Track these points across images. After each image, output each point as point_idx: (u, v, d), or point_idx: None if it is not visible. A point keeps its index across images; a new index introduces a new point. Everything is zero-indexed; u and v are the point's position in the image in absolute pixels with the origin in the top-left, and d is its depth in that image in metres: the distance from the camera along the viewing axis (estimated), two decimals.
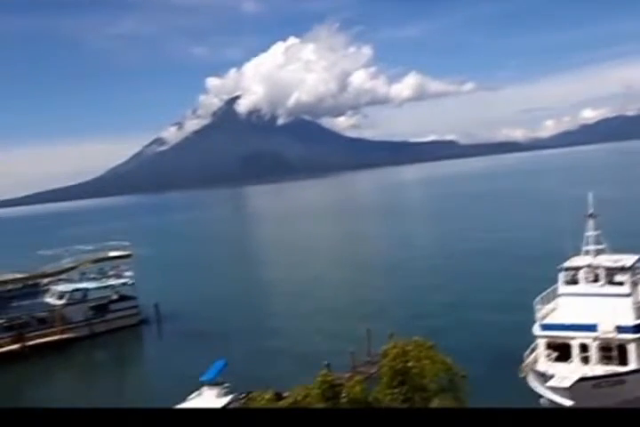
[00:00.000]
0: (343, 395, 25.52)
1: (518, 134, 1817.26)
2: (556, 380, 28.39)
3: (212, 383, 35.48)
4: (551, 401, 28.40)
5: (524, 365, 31.12)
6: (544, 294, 33.14)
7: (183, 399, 34.15)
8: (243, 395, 34.05)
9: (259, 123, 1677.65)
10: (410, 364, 28.34)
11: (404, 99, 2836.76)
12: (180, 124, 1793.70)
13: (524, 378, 30.78)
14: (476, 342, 44.36)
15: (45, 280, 67.73)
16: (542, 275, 37.07)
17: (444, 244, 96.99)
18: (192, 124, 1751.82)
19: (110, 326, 61.14)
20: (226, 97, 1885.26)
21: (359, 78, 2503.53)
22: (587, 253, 34.26)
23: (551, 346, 31.22)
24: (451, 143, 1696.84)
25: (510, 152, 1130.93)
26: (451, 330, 47.35)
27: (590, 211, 35.19)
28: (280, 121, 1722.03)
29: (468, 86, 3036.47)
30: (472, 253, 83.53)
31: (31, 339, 56.43)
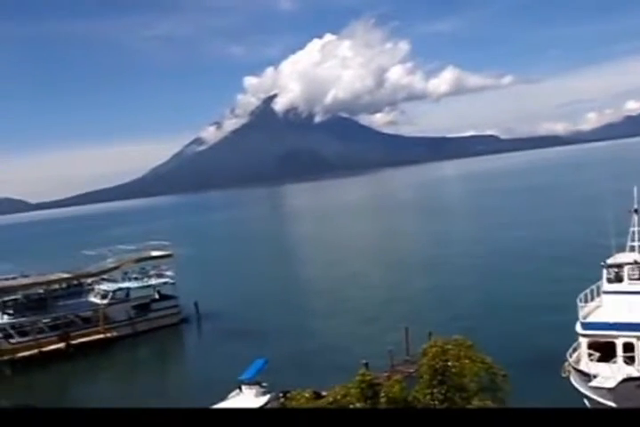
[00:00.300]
0: (382, 394, 25.39)
1: (559, 128, 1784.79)
2: (600, 380, 27.72)
3: (251, 382, 35.69)
4: (594, 401, 27.76)
5: (566, 364, 30.47)
6: (587, 291, 32.35)
7: (223, 398, 34.45)
8: (281, 394, 34.18)
9: (296, 121, 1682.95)
10: (449, 363, 28.05)
11: (441, 94, 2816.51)
12: (218, 124, 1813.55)
13: (567, 378, 30.15)
14: (514, 341, 43.64)
15: (89, 280, 69.26)
16: (584, 273, 36.25)
17: (484, 241, 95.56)
18: (230, 124, 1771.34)
19: (152, 325, 62.07)
20: (263, 96, 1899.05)
21: (396, 74, 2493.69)
22: (632, 249, 33.30)
23: (594, 345, 30.49)
24: (490, 138, 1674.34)
25: (552, 146, 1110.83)
26: (488, 331, 46.61)
27: (635, 206, 34.17)
28: (317, 119, 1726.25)
29: (507, 79, 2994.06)
30: (512, 250, 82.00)
31: (76, 338, 57.74)
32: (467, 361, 28.59)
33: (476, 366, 28.52)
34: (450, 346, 29.26)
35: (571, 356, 30.89)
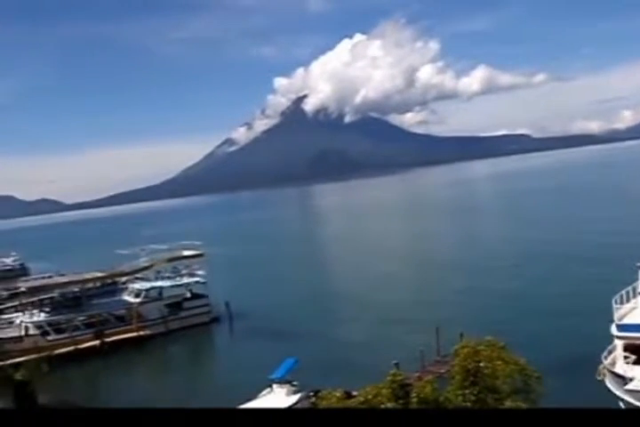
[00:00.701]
0: (413, 395, 25.30)
1: (594, 126, 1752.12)
2: (636, 383, 27.24)
3: (282, 381, 35.87)
4: (630, 404, 27.27)
5: (601, 367, 29.98)
6: (622, 293, 31.79)
7: (253, 397, 34.69)
8: (312, 393, 34.29)
9: (326, 121, 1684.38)
10: (482, 364, 27.80)
11: (472, 93, 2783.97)
12: (249, 125, 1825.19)
13: (602, 381, 29.66)
14: (548, 343, 43.03)
15: (123, 279, 70.35)
16: (618, 275, 35.59)
17: (516, 243, 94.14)
18: (261, 124, 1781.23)
19: (184, 324, 62.73)
20: (293, 96, 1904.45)
21: (426, 73, 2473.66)
22: None
23: (630, 348, 29.94)
24: (522, 137, 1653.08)
25: (585, 145, 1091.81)
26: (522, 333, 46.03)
27: None
28: (347, 119, 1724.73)
29: (540, 78, 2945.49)
30: (544, 253, 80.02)
31: (110, 335, 58.74)
32: (499, 362, 28.30)
33: (509, 368, 28.21)
34: (482, 347, 28.99)
35: (606, 358, 30.40)
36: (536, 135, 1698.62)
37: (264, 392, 35.78)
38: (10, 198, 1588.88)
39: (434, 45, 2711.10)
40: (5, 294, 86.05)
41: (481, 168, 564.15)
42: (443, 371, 37.89)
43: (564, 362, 38.31)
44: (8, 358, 49.98)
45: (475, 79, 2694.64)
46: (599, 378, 29.76)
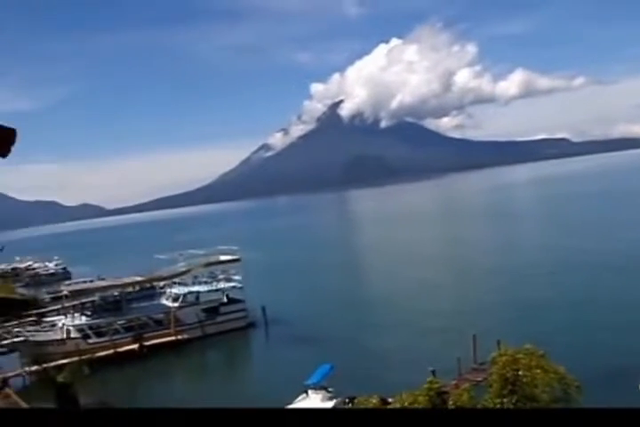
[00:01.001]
0: (450, 402, 25.08)
1: (636, 130, 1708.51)
2: None
3: (318, 387, 35.88)
4: None
5: None
6: None
7: (289, 402, 34.76)
8: (347, 399, 34.23)
9: (362, 126, 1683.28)
10: (520, 373, 27.37)
11: (510, 96, 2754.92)
12: (285, 130, 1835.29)
13: None
14: (591, 354, 42.11)
15: (161, 283, 71.35)
16: None
17: (554, 251, 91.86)
18: (297, 130, 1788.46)
19: (220, 329, 63.16)
20: (329, 102, 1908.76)
21: (463, 77, 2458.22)
22: None
23: None
24: (562, 141, 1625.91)
25: (627, 149, 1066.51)
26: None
27: None
28: (383, 124, 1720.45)
29: (579, 81, 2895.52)
30: (585, 263, 77.22)
31: (148, 339, 59.56)
32: (538, 371, 27.81)
33: (548, 377, 27.70)
34: (521, 355, 28.55)
35: None
36: (575, 139, 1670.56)
37: (299, 398, 35.85)
38: (53, 204, 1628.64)
39: (471, 49, 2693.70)
40: (48, 297, 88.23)
41: (519, 173, 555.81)
42: (480, 379, 37.42)
43: (606, 373, 37.45)
44: (51, 361, 51.15)
45: (512, 83, 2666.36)
46: None
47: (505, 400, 24.99)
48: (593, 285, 65.20)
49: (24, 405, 39.47)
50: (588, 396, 22.52)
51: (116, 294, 65.56)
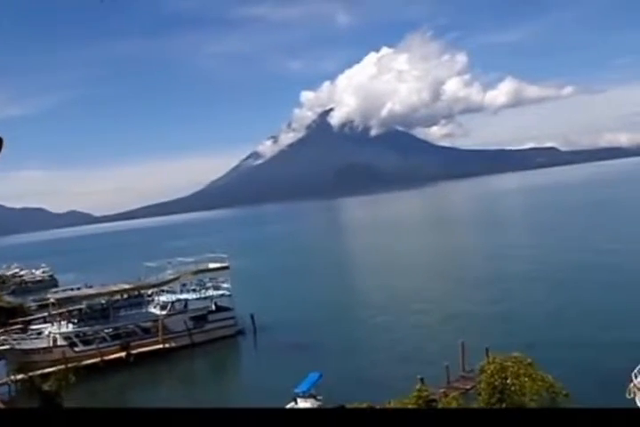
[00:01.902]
0: None
1: (623, 139, 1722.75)
2: None
3: (306, 395, 35.74)
4: None
5: (631, 385, 29.34)
6: None
7: None
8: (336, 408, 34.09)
9: (352, 134, 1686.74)
10: (509, 381, 27.37)
11: (499, 105, 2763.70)
12: (275, 138, 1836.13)
13: (632, 399, 28.99)
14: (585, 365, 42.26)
15: (149, 291, 70.91)
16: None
17: (545, 260, 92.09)
18: (287, 138, 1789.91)
19: (209, 337, 62.89)
20: (319, 110, 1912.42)
21: (453, 86, 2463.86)
22: None
23: None
24: (550, 150, 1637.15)
25: (614, 158, 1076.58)
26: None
27: None
28: (373, 132, 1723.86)
29: (568, 90, 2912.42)
30: (577, 277, 75.89)
31: (136, 347, 59.13)
32: (526, 379, 27.83)
33: (537, 385, 27.73)
34: (509, 363, 28.56)
35: (636, 377, 29.74)
36: (564, 148, 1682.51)
37: (288, 406, 35.65)
38: (40, 211, 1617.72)
39: (461, 58, 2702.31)
40: (35, 305, 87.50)
41: (508, 182, 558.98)
42: (468, 387, 37.44)
43: (593, 382, 37.52)
44: (37, 369, 50.56)
45: (502, 92, 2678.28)
46: (629, 397, 29.13)
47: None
48: (584, 298, 64.60)
49: None
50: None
51: (103, 301, 65.06)
